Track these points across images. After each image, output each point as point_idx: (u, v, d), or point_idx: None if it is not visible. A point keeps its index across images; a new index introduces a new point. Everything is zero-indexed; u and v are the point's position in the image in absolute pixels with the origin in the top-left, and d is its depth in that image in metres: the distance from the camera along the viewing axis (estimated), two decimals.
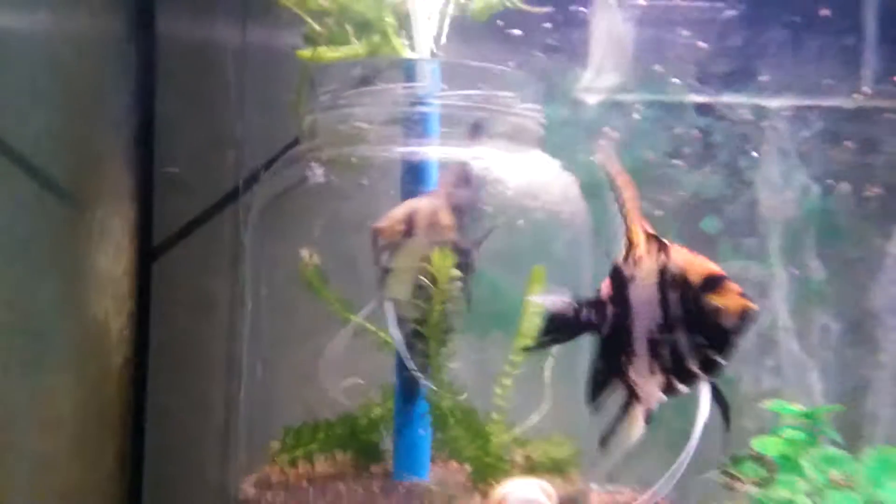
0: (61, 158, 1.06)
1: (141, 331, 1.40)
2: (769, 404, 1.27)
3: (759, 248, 1.56)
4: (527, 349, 0.93)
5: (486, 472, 0.91)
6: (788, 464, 1.05)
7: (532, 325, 0.95)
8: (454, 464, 1.02)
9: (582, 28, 1.55)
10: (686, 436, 1.50)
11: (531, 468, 0.92)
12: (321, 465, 1.05)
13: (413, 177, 1.01)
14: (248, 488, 0.97)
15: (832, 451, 1.04)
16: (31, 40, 0.94)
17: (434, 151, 1.01)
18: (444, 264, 0.89)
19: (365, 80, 1.04)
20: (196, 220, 1.49)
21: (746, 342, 1.55)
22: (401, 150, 0.91)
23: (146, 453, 1.41)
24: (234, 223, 1.51)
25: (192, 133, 1.52)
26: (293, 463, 1.02)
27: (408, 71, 1.05)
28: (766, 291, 1.56)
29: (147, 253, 1.43)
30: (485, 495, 0.89)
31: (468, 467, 0.94)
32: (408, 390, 1.00)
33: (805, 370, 1.55)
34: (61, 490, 1.03)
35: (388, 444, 1.07)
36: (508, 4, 1.27)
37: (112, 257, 1.27)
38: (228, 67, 1.56)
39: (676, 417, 1.52)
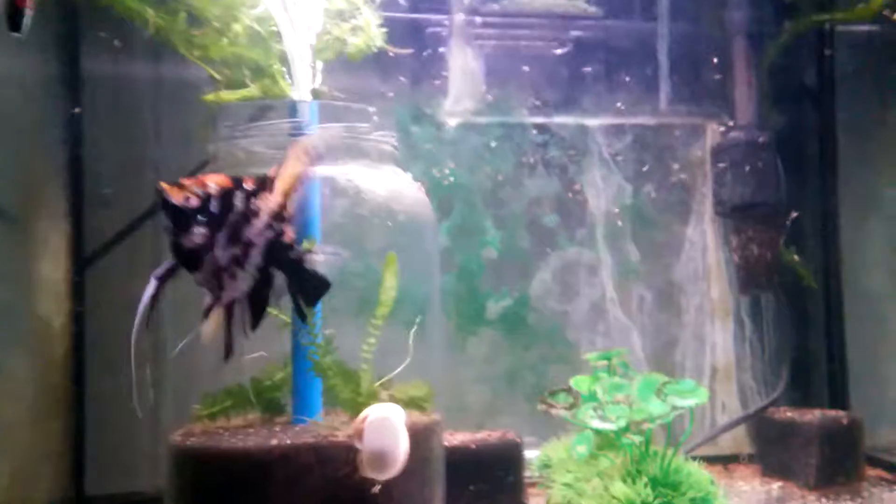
0: (5, 184, 1.30)
1: (78, 327, 1.66)
2: (588, 356, 1.65)
3: (589, 237, 1.97)
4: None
5: (359, 409, 1.23)
6: (591, 394, 1.42)
7: (388, 297, 1.28)
8: (341, 414, 1.34)
9: (442, 63, 1.91)
10: (539, 391, 1.89)
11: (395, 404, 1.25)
12: (234, 421, 1.34)
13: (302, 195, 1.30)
14: (175, 437, 1.25)
15: (616, 380, 1.42)
16: None
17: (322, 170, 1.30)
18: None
19: (254, 118, 1.34)
20: (122, 232, 1.75)
21: (580, 313, 1.95)
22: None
23: (87, 429, 1.66)
24: (154, 234, 1.78)
25: (116, 158, 1.77)
26: (212, 418, 1.31)
27: (291, 109, 1.35)
28: (596, 271, 1.97)
29: (81, 261, 1.68)
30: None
31: (346, 408, 1.26)
32: (300, 352, 1.31)
33: (628, 332, 1.96)
34: (21, 453, 1.28)
35: (289, 401, 1.37)
36: (375, 50, 1.57)
37: (52, 265, 1.53)
38: (145, 100, 1.83)
39: (532, 375, 1.91)
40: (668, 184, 1.99)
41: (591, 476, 1.39)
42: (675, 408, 1.30)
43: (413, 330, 1.35)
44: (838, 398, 1.93)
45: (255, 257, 1.06)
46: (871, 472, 1.79)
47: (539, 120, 1.94)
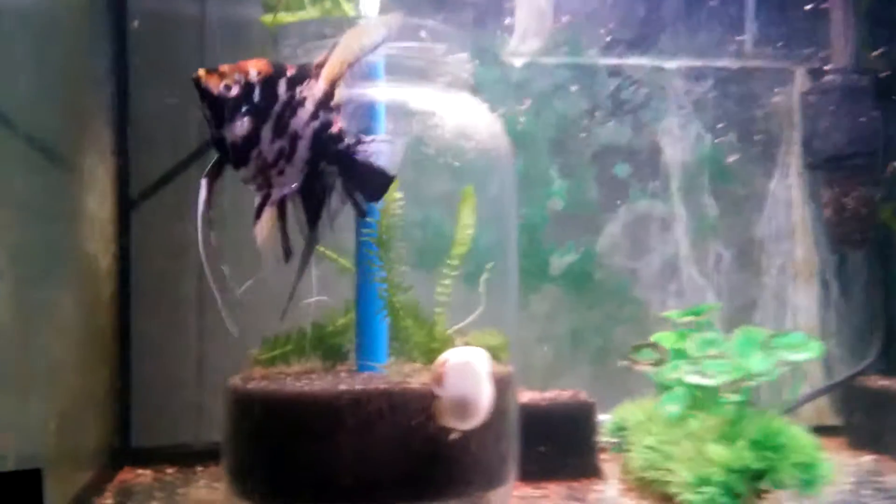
0: (51, 115, 1.20)
1: (124, 268, 1.57)
2: (666, 313, 1.53)
3: (663, 189, 1.83)
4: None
5: (433, 355, 1.13)
6: (678, 351, 1.30)
7: (464, 236, 1.16)
8: (408, 363, 1.23)
9: None
10: (605, 352, 1.77)
11: None
12: (295, 366, 1.24)
13: (364, 113, 1.18)
14: (235, 381, 1.16)
15: (709, 334, 1.30)
16: (18, 10, 1.04)
17: (380, 92, 1.18)
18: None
19: (320, 36, 1.22)
20: (169, 172, 1.66)
21: (651, 271, 1.82)
22: (352, 91, 1.07)
23: (132, 377, 1.58)
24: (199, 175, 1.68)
25: (162, 94, 1.68)
26: (271, 362, 1.22)
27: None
28: (669, 226, 1.83)
29: (127, 201, 1.59)
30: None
31: (418, 353, 1.16)
32: (366, 295, 1.20)
33: (703, 292, 1.83)
34: (69, 397, 1.20)
35: (351, 348, 1.27)
36: None
37: (98, 205, 1.43)
38: (192, 34, 1.72)
39: (597, 336, 1.79)
40: (752, 133, 1.84)
41: (679, 438, 1.27)
42: (785, 363, 1.17)
43: (485, 276, 1.24)
44: None
45: (303, 150, 0.97)
46: None
47: (611, 61, 1.80)
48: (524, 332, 1.79)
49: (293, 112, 0.95)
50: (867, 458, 1.61)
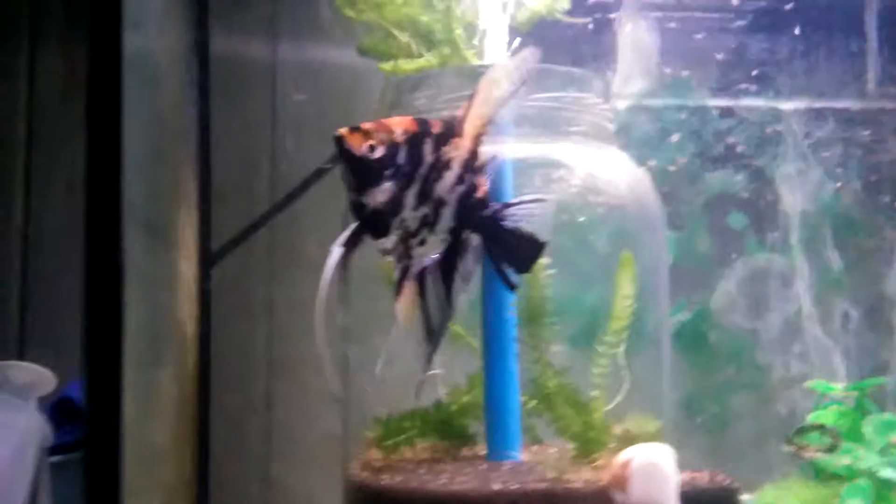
0: (150, 185, 1.09)
1: (205, 334, 1.43)
2: (811, 383, 1.36)
3: (782, 241, 1.67)
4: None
5: (591, 446, 0.97)
6: (850, 432, 1.14)
7: (623, 308, 1.02)
8: (546, 449, 1.08)
9: (610, 36, 1.65)
10: (722, 422, 1.60)
11: (629, 440, 0.99)
12: (413, 451, 1.09)
13: (498, 172, 1.06)
14: (358, 472, 1.01)
15: (890, 416, 1.13)
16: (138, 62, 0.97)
17: (511, 148, 1.06)
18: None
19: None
20: (249, 227, 1.54)
21: (772, 331, 1.66)
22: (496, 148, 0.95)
23: (212, 453, 1.43)
24: (270, 233, 1.55)
25: (242, 144, 1.57)
26: (393, 448, 1.07)
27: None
28: (791, 281, 1.67)
29: (208, 259, 1.46)
30: (591, 468, 0.95)
31: (570, 443, 1.00)
32: (500, 374, 1.06)
33: (829, 354, 1.66)
34: (166, 483, 1.05)
35: (476, 429, 1.12)
36: (548, 16, 1.34)
37: (186, 263, 1.30)
38: (264, 79, 1.63)
39: (714, 404, 1.62)
40: (878, 179, 1.68)
41: None
42: None
43: (622, 348, 1.09)
44: None
45: (447, 218, 0.87)
46: None
47: (723, 102, 1.67)
48: (630, 397, 1.63)
49: (439, 175, 0.85)
50: None
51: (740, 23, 1.68)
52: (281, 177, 1.61)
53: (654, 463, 0.84)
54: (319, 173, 1.53)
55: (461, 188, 0.86)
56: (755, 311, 1.66)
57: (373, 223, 0.84)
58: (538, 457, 1.03)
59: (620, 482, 0.84)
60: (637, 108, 1.65)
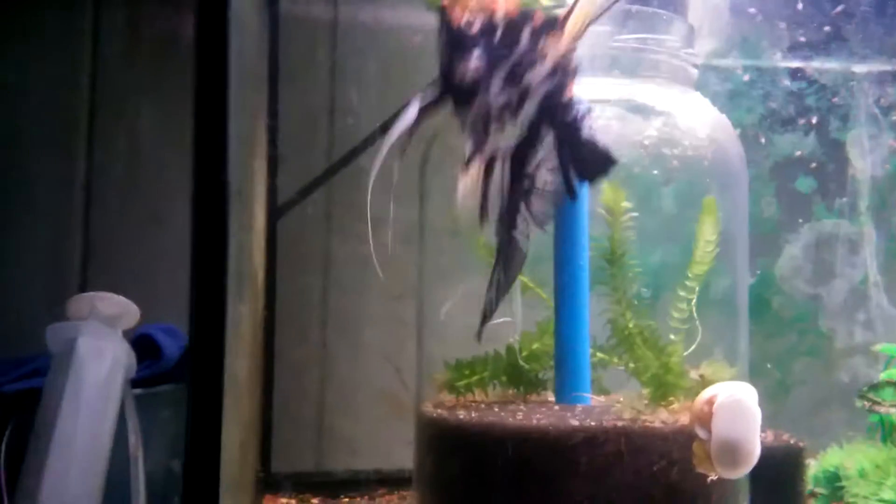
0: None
1: (270, 284, 1.46)
2: (881, 346, 1.34)
3: (851, 207, 1.64)
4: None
5: (667, 389, 0.97)
6: None
7: (705, 253, 1.01)
8: (602, 397, 1.08)
9: None
10: (785, 388, 1.57)
11: (705, 385, 0.98)
12: (483, 395, 1.10)
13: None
14: (433, 410, 1.02)
15: None
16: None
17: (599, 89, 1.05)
18: None
19: None
20: (313, 182, 1.55)
21: (837, 298, 1.63)
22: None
23: (275, 400, 1.47)
24: (351, 184, 1.57)
25: (309, 100, 1.59)
26: (464, 391, 1.08)
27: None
28: (858, 248, 1.64)
29: (275, 211, 1.49)
30: (668, 411, 0.94)
31: (644, 389, 1.00)
32: (571, 319, 1.06)
33: (894, 322, 1.62)
34: (245, 422, 1.08)
35: (546, 375, 1.12)
36: None
37: (258, 213, 1.33)
38: (325, 37, 1.64)
39: (776, 370, 1.60)
40: None
41: None
42: None
43: (693, 298, 1.08)
44: None
45: (530, 108, 0.85)
46: None
47: (794, 63, 1.63)
48: (692, 363, 1.62)
49: (531, 65, 0.85)
50: None
51: None
52: (341, 133, 1.63)
53: (739, 399, 0.83)
54: (382, 129, 1.54)
55: (550, 84, 0.86)
56: (820, 277, 1.63)
57: (457, 92, 0.84)
58: (611, 400, 1.03)
59: (704, 419, 0.83)
60: (706, 67, 1.62)
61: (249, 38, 1.18)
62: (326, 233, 1.56)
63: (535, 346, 1.13)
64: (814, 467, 1.32)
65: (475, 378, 1.07)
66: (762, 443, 1.28)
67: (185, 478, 0.74)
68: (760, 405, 1.59)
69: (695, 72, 1.13)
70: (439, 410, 1.00)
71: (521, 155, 0.87)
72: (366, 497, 1.44)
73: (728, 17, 1.61)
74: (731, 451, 0.83)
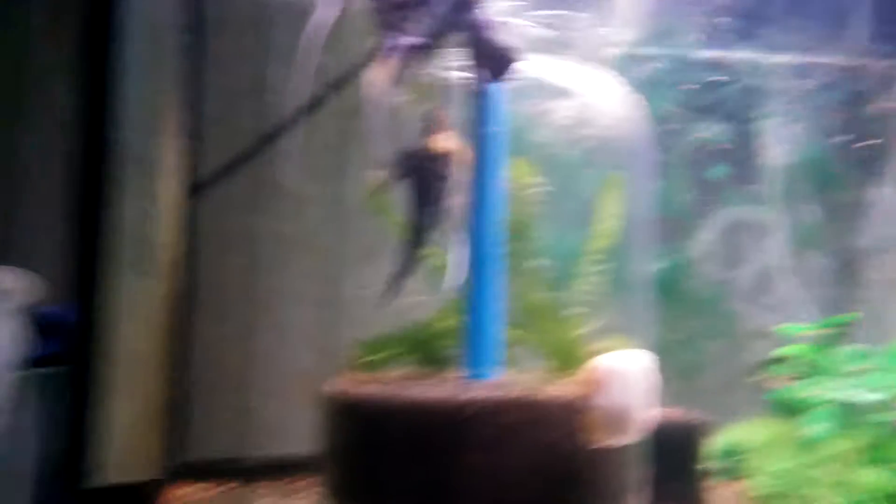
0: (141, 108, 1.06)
1: (190, 259, 1.43)
2: (780, 327, 1.39)
3: (762, 194, 1.70)
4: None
5: (569, 361, 1.00)
6: (817, 366, 1.17)
7: (607, 227, 1.03)
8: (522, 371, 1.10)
9: None
10: (695, 368, 1.63)
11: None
12: (396, 371, 1.11)
13: None
14: (337, 387, 1.02)
15: (853, 349, 1.17)
16: None
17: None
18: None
19: None
20: (237, 158, 1.52)
21: (746, 282, 1.69)
22: None
23: (194, 365, 1.44)
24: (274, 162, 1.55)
25: (235, 79, 1.55)
26: (381, 364, 1.08)
27: None
28: (768, 233, 1.70)
29: (195, 185, 1.46)
30: (565, 382, 0.97)
31: (549, 360, 1.02)
32: (481, 294, 1.07)
33: (801, 306, 1.69)
34: (147, 394, 1.06)
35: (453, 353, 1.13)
36: None
37: (169, 189, 1.30)
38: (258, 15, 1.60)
39: (686, 350, 1.65)
40: (861, 135, 1.71)
41: (820, 462, 1.13)
42: None
43: (597, 276, 1.11)
44: None
45: (441, 3, 0.92)
46: None
47: (711, 54, 1.68)
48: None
49: None
50: None
51: None
52: (267, 111, 1.60)
53: (620, 368, 0.86)
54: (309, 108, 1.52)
55: None
56: (731, 261, 1.69)
57: None
58: (515, 376, 1.04)
59: (594, 386, 0.86)
60: (625, 56, 1.65)
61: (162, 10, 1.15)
62: (250, 212, 1.54)
63: (447, 322, 1.14)
64: (716, 443, 1.37)
65: (386, 354, 1.07)
66: (671, 418, 1.35)
67: (66, 454, 0.72)
68: (672, 384, 1.65)
69: (612, 51, 1.14)
70: (344, 385, 1.01)
71: (431, 48, 0.93)
72: (284, 480, 1.43)
73: (648, 7, 1.65)
74: (615, 418, 0.86)
